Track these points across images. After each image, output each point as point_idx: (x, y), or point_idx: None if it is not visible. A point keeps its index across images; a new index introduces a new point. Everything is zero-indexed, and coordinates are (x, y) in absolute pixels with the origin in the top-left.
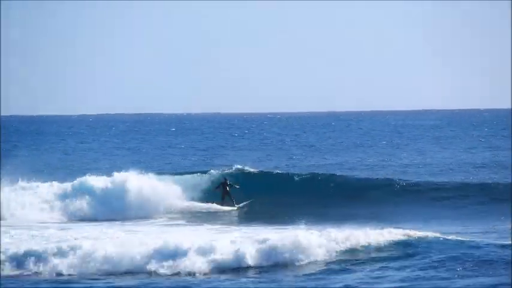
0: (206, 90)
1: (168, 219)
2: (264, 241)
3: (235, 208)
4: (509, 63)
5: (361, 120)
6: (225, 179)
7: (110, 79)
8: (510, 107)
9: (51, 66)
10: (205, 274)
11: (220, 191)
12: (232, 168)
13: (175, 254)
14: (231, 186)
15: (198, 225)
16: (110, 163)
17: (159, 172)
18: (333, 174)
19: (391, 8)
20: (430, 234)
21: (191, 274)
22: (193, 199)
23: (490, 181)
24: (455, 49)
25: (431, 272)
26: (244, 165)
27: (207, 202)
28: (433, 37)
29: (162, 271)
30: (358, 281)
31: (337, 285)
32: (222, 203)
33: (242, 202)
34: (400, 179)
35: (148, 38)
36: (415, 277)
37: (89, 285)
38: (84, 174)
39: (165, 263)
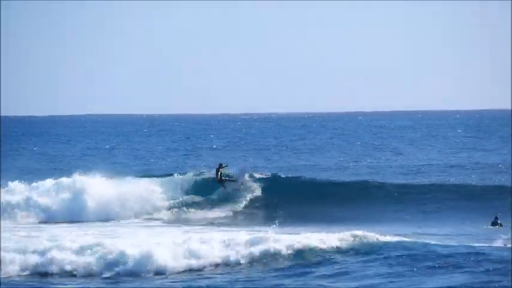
0: (180, 91)
1: (146, 220)
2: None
3: (238, 182)
4: (480, 64)
5: (335, 121)
6: (220, 165)
7: (82, 80)
8: (477, 109)
9: (25, 66)
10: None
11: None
12: (198, 172)
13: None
14: (224, 167)
15: (175, 226)
16: (82, 164)
17: (136, 174)
18: (304, 176)
19: (366, 9)
20: (397, 236)
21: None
22: (164, 200)
23: (462, 182)
24: (428, 49)
25: (398, 271)
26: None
27: (182, 203)
28: (406, 38)
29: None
30: (321, 279)
31: (298, 283)
32: (224, 188)
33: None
34: (373, 180)
35: (124, 38)
36: (381, 276)
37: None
38: (55, 175)
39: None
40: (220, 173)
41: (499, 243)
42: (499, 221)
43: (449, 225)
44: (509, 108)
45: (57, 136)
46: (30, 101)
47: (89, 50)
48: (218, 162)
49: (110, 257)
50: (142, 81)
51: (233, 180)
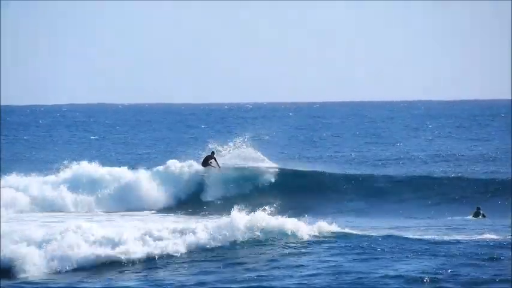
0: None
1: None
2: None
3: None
4: (461, 55)
5: (314, 110)
6: (213, 152)
7: (56, 69)
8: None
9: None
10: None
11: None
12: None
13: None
14: (213, 157)
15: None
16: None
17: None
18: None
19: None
20: (367, 229)
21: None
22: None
23: (444, 173)
24: (394, 39)
25: (362, 257)
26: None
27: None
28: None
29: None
30: (275, 269)
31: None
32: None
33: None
34: (349, 173)
35: (111, 28)
36: (346, 259)
37: None
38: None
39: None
40: (206, 160)
41: (481, 234)
42: (481, 212)
43: (430, 216)
44: (491, 98)
45: (40, 126)
46: (10, 90)
47: (71, 39)
48: (211, 150)
49: None
50: (123, 71)
51: (214, 167)
